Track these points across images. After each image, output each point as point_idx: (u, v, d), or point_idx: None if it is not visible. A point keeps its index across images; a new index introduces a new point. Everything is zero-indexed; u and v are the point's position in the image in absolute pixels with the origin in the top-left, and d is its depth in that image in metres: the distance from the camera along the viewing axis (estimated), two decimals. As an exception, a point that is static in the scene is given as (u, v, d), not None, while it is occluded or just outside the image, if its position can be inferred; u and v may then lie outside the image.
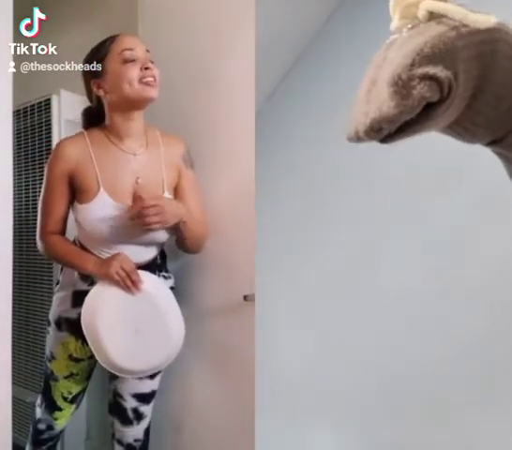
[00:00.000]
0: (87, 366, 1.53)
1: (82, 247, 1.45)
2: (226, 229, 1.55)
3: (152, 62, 1.40)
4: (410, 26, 0.71)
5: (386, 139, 0.67)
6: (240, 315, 1.50)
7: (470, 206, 1.63)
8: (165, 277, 1.52)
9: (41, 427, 1.57)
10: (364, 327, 1.90)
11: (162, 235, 1.44)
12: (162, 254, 1.55)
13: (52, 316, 1.53)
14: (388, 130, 0.65)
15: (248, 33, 1.46)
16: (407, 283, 1.79)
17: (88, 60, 1.43)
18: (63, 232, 1.48)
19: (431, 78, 0.63)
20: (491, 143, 0.75)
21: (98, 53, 1.41)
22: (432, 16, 0.69)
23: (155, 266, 1.50)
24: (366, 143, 0.67)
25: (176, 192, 1.49)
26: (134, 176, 1.41)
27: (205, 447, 1.61)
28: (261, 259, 1.59)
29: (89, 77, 1.42)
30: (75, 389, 1.54)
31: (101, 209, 1.38)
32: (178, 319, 1.45)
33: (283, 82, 2.35)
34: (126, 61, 1.37)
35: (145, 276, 1.41)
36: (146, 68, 1.36)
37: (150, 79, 1.36)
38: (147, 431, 1.56)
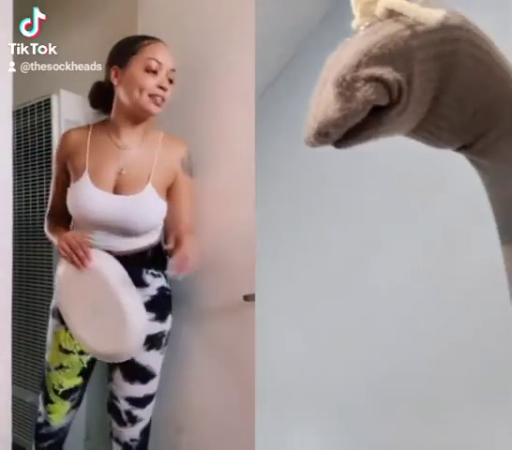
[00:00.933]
0: (78, 360, 1.53)
1: (63, 219, 1.52)
2: (226, 229, 1.55)
3: (171, 81, 1.42)
4: (367, 24, 0.67)
5: (339, 144, 0.64)
6: (240, 315, 1.50)
7: (461, 206, 1.63)
8: (154, 275, 1.51)
9: (40, 420, 1.58)
10: (365, 327, 1.90)
11: (138, 227, 1.44)
12: (156, 251, 1.53)
13: (52, 305, 1.57)
14: (336, 135, 0.61)
15: (248, 31, 1.46)
16: (407, 283, 1.79)
17: (121, 45, 1.44)
18: (62, 215, 1.53)
19: (377, 80, 0.59)
20: (461, 149, 0.72)
21: (131, 46, 1.41)
22: (392, 14, 0.65)
23: (143, 261, 1.49)
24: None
25: (170, 194, 1.49)
26: (119, 168, 1.45)
27: (205, 447, 1.61)
28: (261, 259, 1.59)
29: (112, 60, 1.44)
30: (66, 383, 1.53)
31: (82, 191, 1.43)
32: (135, 302, 1.41)
33: (278, 79, 2.35)
34: (148, 70, 1.39)
35: (98, 254, 1.41)
36: (161, 88, 1.39)
37: (158, 99, 1.39)
38: (145, 432, 1.56)
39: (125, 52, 1.42)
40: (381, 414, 1.78)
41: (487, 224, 1.62)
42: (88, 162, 1.45)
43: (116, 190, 1.45)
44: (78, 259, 1.37)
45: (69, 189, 1.47)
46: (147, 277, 1.50)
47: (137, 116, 1.44)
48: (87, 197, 1.43)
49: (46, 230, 1.58)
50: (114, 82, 1.42)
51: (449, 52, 0.63)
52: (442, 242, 1.69)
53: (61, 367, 1.53)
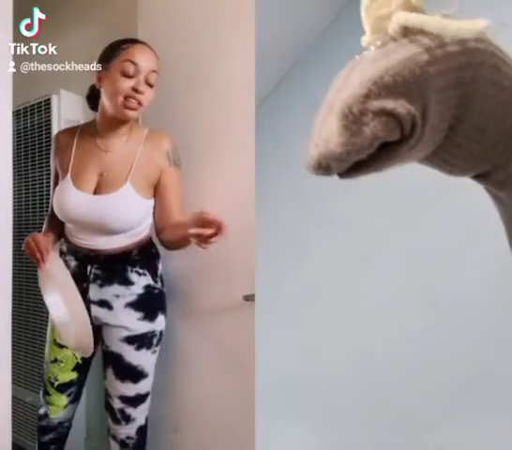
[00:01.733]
0: (72, 355, 1.55)
1: (61, 232, 1.57)
2: (226, 229, 1.55)
3: (151, 85, 1.40)
4: (379, 43, 0.59)
5: (343, 175, 0.57)
6: (240, 315, 1.50)
7: (457, 221, 1.65)
8: (139, 274, 1.51)
9: (41, 411, 1.61)
10: (364, 327, 1.90)
11: (115, 226, 1.45)
12: (143, 251, 1.53)
13: None
14: (338, 169, 0.55)
15: (248, 33, 1.46)
16: (405, 285, 1.79)
17: (106, 50, 1.44)
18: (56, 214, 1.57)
19: (389, 114, 0.52)
20: (478, 178, 0.66)
21: (114, 50, 1.42)
22: (407, 31, 0.57)
23: (128, 260, 1.50)
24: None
25: (157, 190, 1.50)
26: (100, 170, 1.47)
27: (205, 447, 1.61)
28: (261, 259, 1.59)
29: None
30: (61, 377, 1.56)
31: (63, 192, 1.48)
32: (78, 303, 1.45)
33: (282, 82, 2.36)
34: (123, 73, 1.38)
35: (53, 258, 1.47)
36: (136, 90, 1.38)
37: (133, 103, 1.38)
38: (141, 431, 1.57)
39: (108, 56, 1.42)
40: (380, 415, 1.79)
41: (481, 239, 1.64)
42: (72, 164, 1.48)
43: (97, 191, 1.47)
44: (36, 260, 1.45)
45: (55, 190, 1.52)
46: (132, 276, 1.51)
47: (117, 120, 1.45)
48: (67, 197, 1.46)
49: (43, 228, 1.62)
50: (98, 85, 1.45)
51: (470, 78, 0.56)
52: (440, 250, 1.71)
53: (56, 360, 1.56)
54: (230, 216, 1.54)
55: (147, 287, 1.52)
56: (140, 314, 1.50)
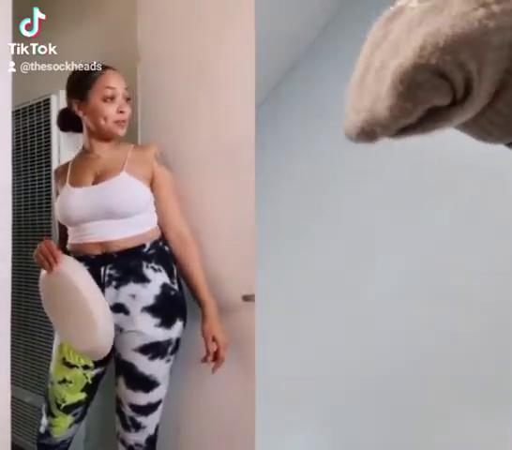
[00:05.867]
0: (82, 375, 1.51)
1: (65, 242, 1.60)
2: (226, 229, 1.55)
3: (128, 99, 1.53)
4: None
5: (391, 136, 0.54)
6: (240, 315, 1.50)
7: (460, 219, 1.65)
8: (155, 270, 1.49)
9: (42, 430, 1.57)
10: (364, 327, 1.90)
11: (123, 206, 1.48)
12: (156, 246, 1.52)
13: None
14: (383, 136, 0.52)
15: (248, 32, 1.46)
16: (405, 285, 1.79)
17: (74, 81, 1.54)
18: (64, 236, 1.62)
19: (443, 76, 0.48)
20: (510, 144, 0.63)
21: (85, 81, 1.52)
22: None
23: (142, 254, 1.49)
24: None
25: (153, 192, 1.54)
26: (95, 170, 1.56)
27: (205, 447, 1.61)
28: (261, 259, 1.59)
29: (71, 94, 1.55)
30: (69, 398, 1.51)
31: (64, 196, 1.56)
32: (101, 304, 1.46)
33: (282, 82, 2.36)
34: (105, 99, 1.51)
35: (66, 259, 1.50)
36: (121, 112, 1.53)
37: (122, 124, 1.54)
38: (150, 440, 1.54)
39: (81, 86, 1.53)
40: (380, 415, 1.79)
41: (483, 237, 1.65)
42: (69, 175, 1.59)
43: (94, 183, 1.54)
44: (48, 264, 1.47)
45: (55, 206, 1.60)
46: (148, 272, 1.48)
47: (106, 138, 1.57)
48: (67, 197, 1.54)
49: None
50: (80, 114, 1.55)
51: None
52: (440, 248, 1.71)
53: (64, 381, 1.51)
54: (230, 216, 1.55)
55: (164, 286, 1.49)
56: (157, 320, 1.47)
